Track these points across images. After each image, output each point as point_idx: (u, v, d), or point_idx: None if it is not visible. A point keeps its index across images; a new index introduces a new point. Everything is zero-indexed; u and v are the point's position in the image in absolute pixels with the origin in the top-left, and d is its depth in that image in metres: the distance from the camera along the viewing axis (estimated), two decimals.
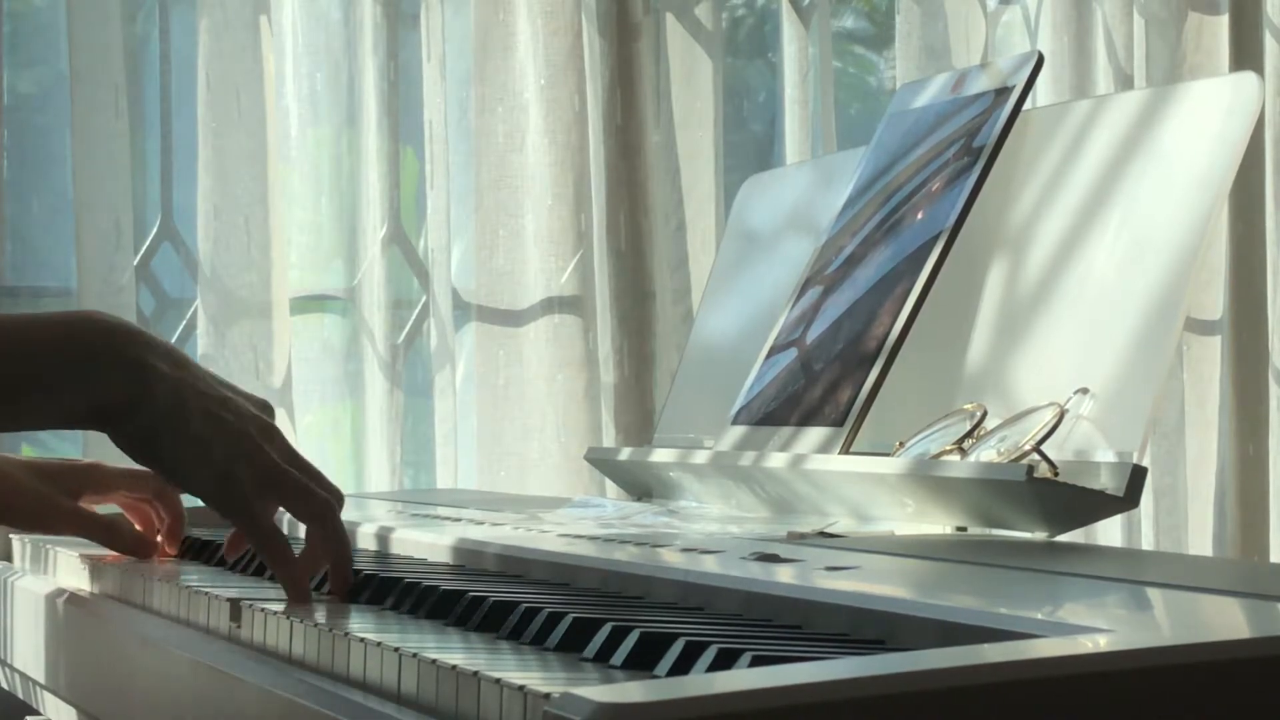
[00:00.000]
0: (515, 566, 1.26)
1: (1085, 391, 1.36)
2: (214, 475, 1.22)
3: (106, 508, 1.54)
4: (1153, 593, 1.01)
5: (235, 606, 1.18)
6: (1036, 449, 1.33)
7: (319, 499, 1.24)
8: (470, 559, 1.32)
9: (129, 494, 1.53)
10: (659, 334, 2.67)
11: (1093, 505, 1.31)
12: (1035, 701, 0.72)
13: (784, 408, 1.57)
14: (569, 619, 0.96)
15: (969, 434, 1.40)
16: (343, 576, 1.22)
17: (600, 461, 1.91)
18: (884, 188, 1.62)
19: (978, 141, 1.52)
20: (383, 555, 1.43)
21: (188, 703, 1.15)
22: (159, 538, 1.54)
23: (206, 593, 1.24)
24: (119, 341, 1.22)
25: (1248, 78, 1.39)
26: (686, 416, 1.85)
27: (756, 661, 0.81)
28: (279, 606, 1.16)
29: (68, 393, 1.21)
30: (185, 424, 1.21)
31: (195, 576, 1.37)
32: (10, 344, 1.21)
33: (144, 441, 1.22)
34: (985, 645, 0.79)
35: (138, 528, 1.53)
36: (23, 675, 1.58)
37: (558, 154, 2.62)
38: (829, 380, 1.53)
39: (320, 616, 1.09)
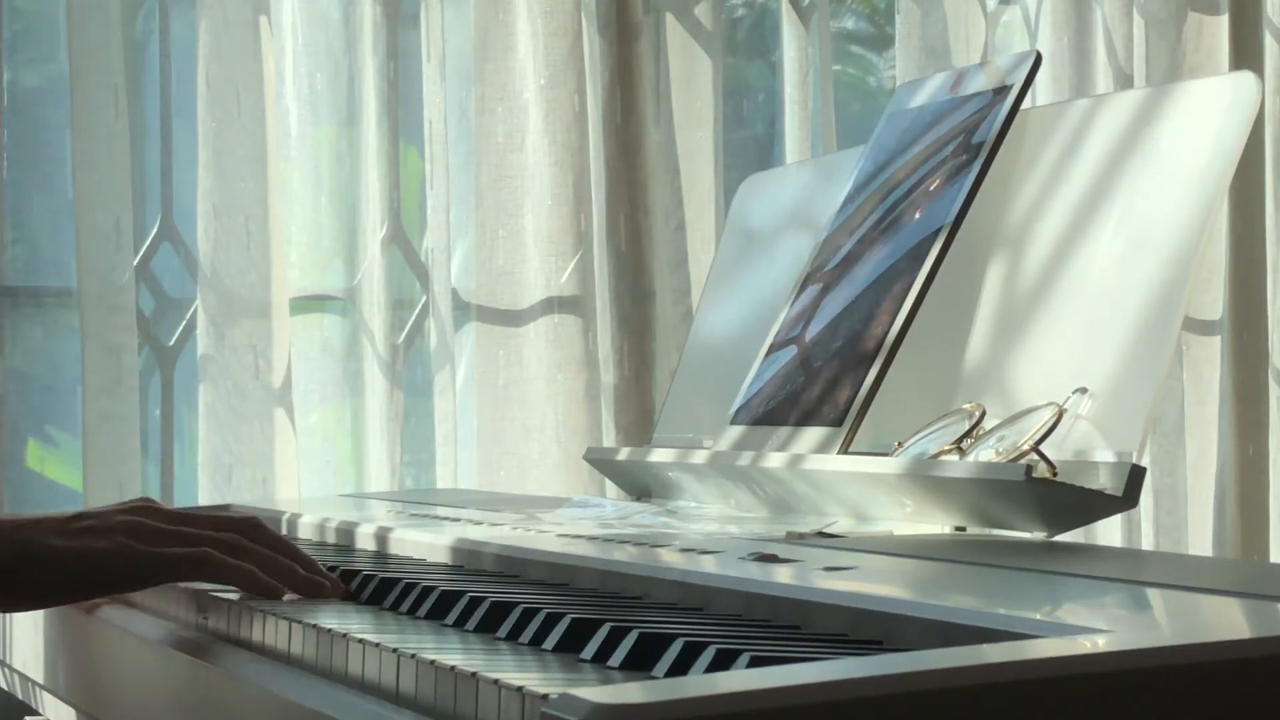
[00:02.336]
0: (514, 567, 1.26)
1: (1084, 391, 1.36)
2: (107, 554, 1.23)
3: None
4: (1152, 593, 1.01)
5: (202, 598, 1.20)
6: (1035, 449, 1.33)
7: (232, 522, 1.26)
8: (469, 559, 1.32)
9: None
10: (659, 334, 2.67)
11: (1092, 505, 1.31)
12: (1035, 701, 0.72)
13: (783, 407, 1.57)
14: (567, 619, 0.96)
15: (968, 434, 1.40)
16: (296, 580, 1.23)
17: (600, 461, 1.91)
18: (882, 185, 1.62)
19: (976, 138, 1.52)
20: (382, 555, 1.43)
21: (186, 703, 1.15)
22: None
23: (206, 594, 1.24)
24: None
25: (1247, 77, 1.39)
26: (686, 416, 1.85)
27: (755, 662, 0.81)
28: (237, 595, 1.18)
29: None
30: (58, 547, 1.24)
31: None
32: None
33: (32, 588, 1.25)
34: (984, 645, 0.79)
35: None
36: (22, 675, 1.58)
37: (558, 154, 2.62)
38: (828, 379, 1.53)
39: (320, 617, 1.09)
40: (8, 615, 1.61)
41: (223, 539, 1.25)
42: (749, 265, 1.85)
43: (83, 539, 1.24)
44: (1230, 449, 2.86)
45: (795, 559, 1.15)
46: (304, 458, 2.53)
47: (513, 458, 2.62)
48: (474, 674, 0.84)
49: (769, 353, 1.65)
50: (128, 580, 1.26)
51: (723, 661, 0.82)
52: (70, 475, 2.48)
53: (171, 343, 2.53)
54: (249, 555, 1.24)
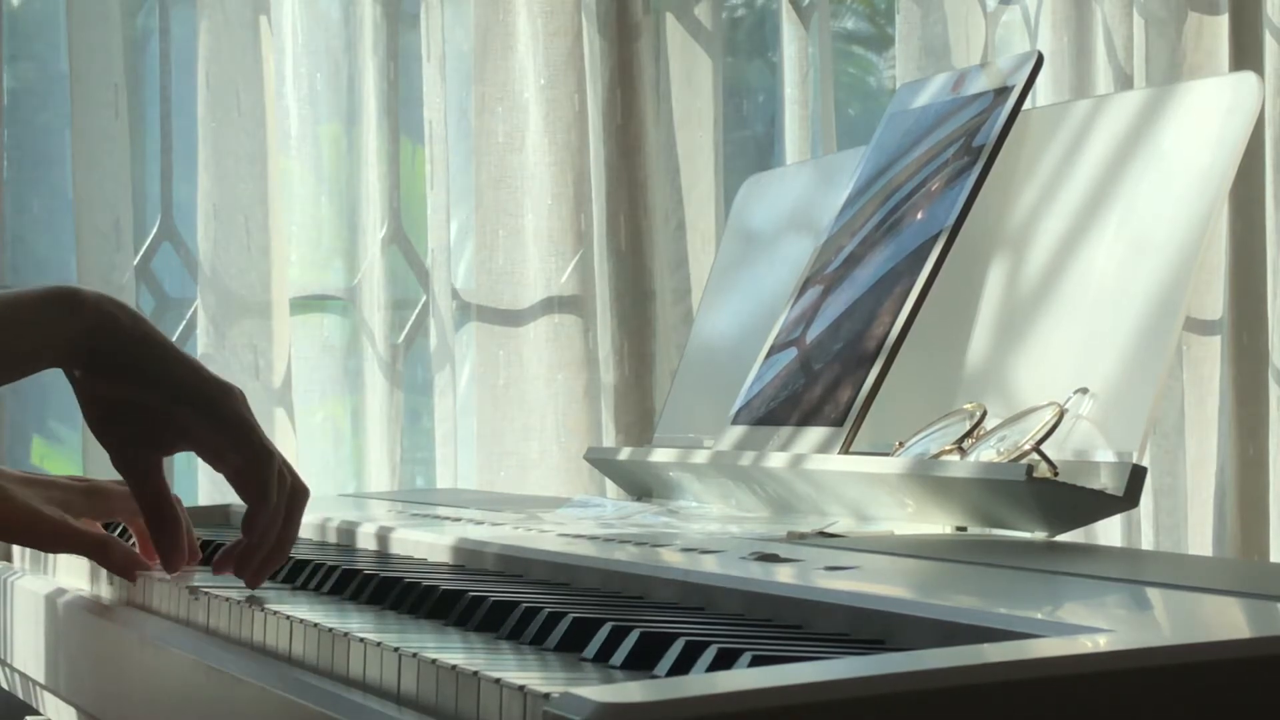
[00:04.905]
0: (515, 566, 1.26)
1: (1085, 391, 1.36)
2: (215, 384, 1.29)
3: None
4: (1153, 593, 1.01)
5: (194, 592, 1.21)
6: (1036, 449, 1.34)
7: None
8: (470, 559, 1.32)
9: (129, 510, 1.51)
10: (659, 334, 2.67)
11: (1092, 505, 1.31)
12: (1035, 701, 0.72)
13: (784, 407, 1.57)
14: (569, 619, 0.96)
15: (969, 434, 1.40)
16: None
17: (600, 461, 1.91)
18: (884, 187, 1.62)
19: (977, 141, 1.52)
20: (383, 555, 1.43)
21: (187, 703, 1.15)
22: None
23: (207, 593, 1.24)
24: (89, 293, 1.31)
25: (1247, 78, 1.39)
26: (686, 416, 1.85)
27: (756, 661, 0.81)
28: (238, 595, 1.18)
29: (45, 326, 1.27)
30: (165, 344, 1.31)
31: (196, 577, 1.37)
32: None
33: (124, 368, 1.29)
34: (985, 645, 0.79)
35: (135, 544, 1.51)
36: (23, 675, 1.58)
37: (558, 154, 2.62)
38: (829, 380, 1.53)
39: (320, 616, 1.09)
40: (8, 615, 1.61)
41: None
42: (750, 266, 1.85)
43: (197, 362, 1.32)
44: (1230, 449, 2.86)
45: (796, 559, 1.15)
46: (304, 457, 2.53)
47: (513, 458, 2.62)
48: (476, 673, 0.84)
49: (769, 354, 1.65)
50: (220, 415, 1.29)
51: (724, 661, 0.82)
52: (74, 471, 2.48)
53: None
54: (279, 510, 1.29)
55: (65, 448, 2.49)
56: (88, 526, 1.41)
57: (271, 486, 1.27)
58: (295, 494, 1.30)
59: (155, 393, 1.30)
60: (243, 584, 1.28)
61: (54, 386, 2.49)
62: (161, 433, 1.30)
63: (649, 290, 2.66)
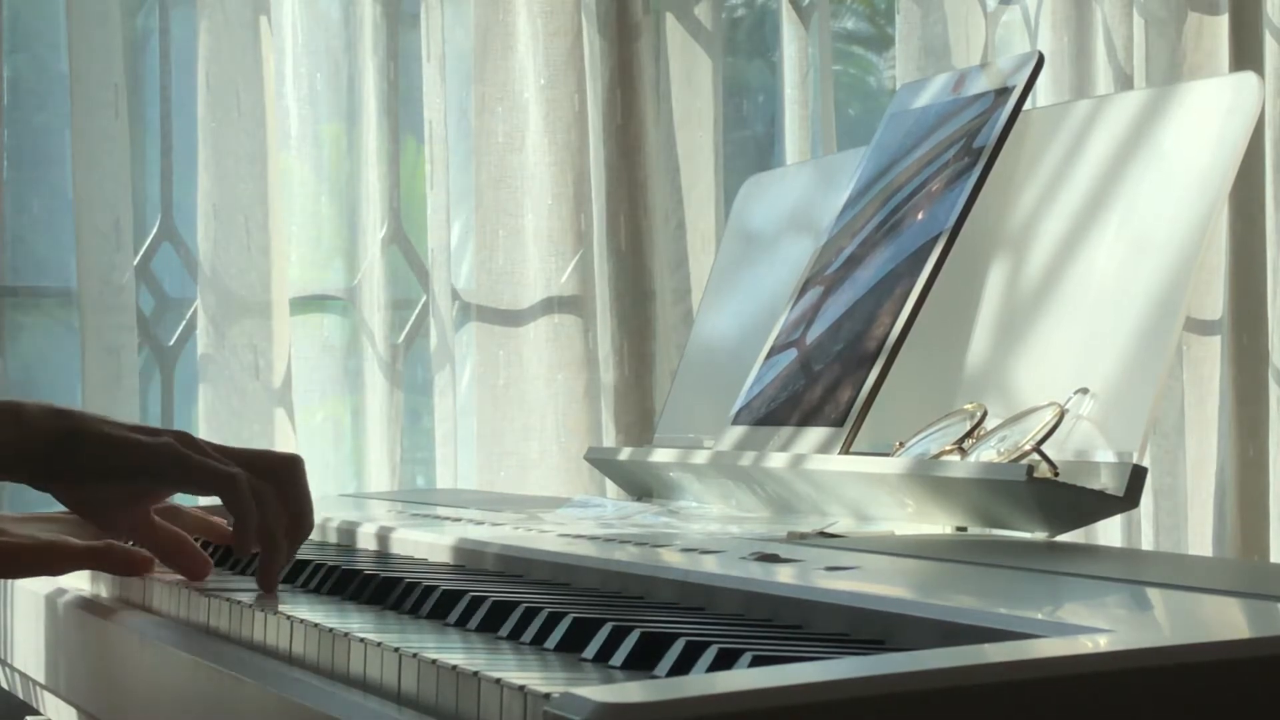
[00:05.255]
0: (515, 566, 1.26)
1: (1085, 391, 1.36)
2: (158, 446, 1.29)
3: None
4: (1153, 593, 1.01)
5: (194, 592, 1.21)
6: (1036, 449, 1.34)
7: (270, 462, 1.33)
8: (470, 559, 1.32)
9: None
10: (659, 334, 2.67)
11: (1093, 505, 1.31)
12: (1035, 701, 0.72)
13: (784, 408, 1.57)
14: (569, 619, 0.96)
15: (969, 434, 1.40)
16: (269, 559, 1.29)
17: (600, 461, 1.91)
18: (884, 188, 1.62)
19: (978, 142, 1.52)
20: (383, 555, 1.43)
21: (187, 703, 1.15)
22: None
23: (207, 593, 1.24)
24: (29, 403, 1.31)
25: (1248, 78, 1.39)
26: (686, 416, 1.85)
27: (757, 661, 0.81)
28: (248, 597, 1.18)
29: None
30: (110, 433, 1.30)
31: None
32: None
33: (77, 471, 1.30)
34: (985, 645, 0.79)
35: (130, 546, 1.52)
36: (23, 675, 1.58)
37: (558, 154, 2.62)
38: (829, 380, 1.53)
39: (320, 616, 1.09)
40: (8, 615, 1.61)
41: (255, 486, 1.30)
42: (750, 267, 1.85)
43: (131, 432, 1.30)
44: (1230, 449, 2.86)
45: (796, 559, 1.15)
46: (304, 458, 2.53)
47: (513, 458, 2.62)
48: (476, 673, 0.84)
49: (769, 355, 1.65)
50: (174, 477, 1.30)
51: (724, 661, 0.82)
52: None
53: (171, 343, 2.53)
54: (267, 507, 1.29)
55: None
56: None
57: (245, 506, 1.29)
58: (279, 475, 1.32)
59: (113, 484, 1.33)
60: (240, 585, 1.28)
61: (61, 379, 2.49)
62: (137, 499, 1.36)
63: (649, 290, 2.66)
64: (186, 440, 1.31)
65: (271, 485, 1.31)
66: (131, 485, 1.34)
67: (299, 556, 1.34)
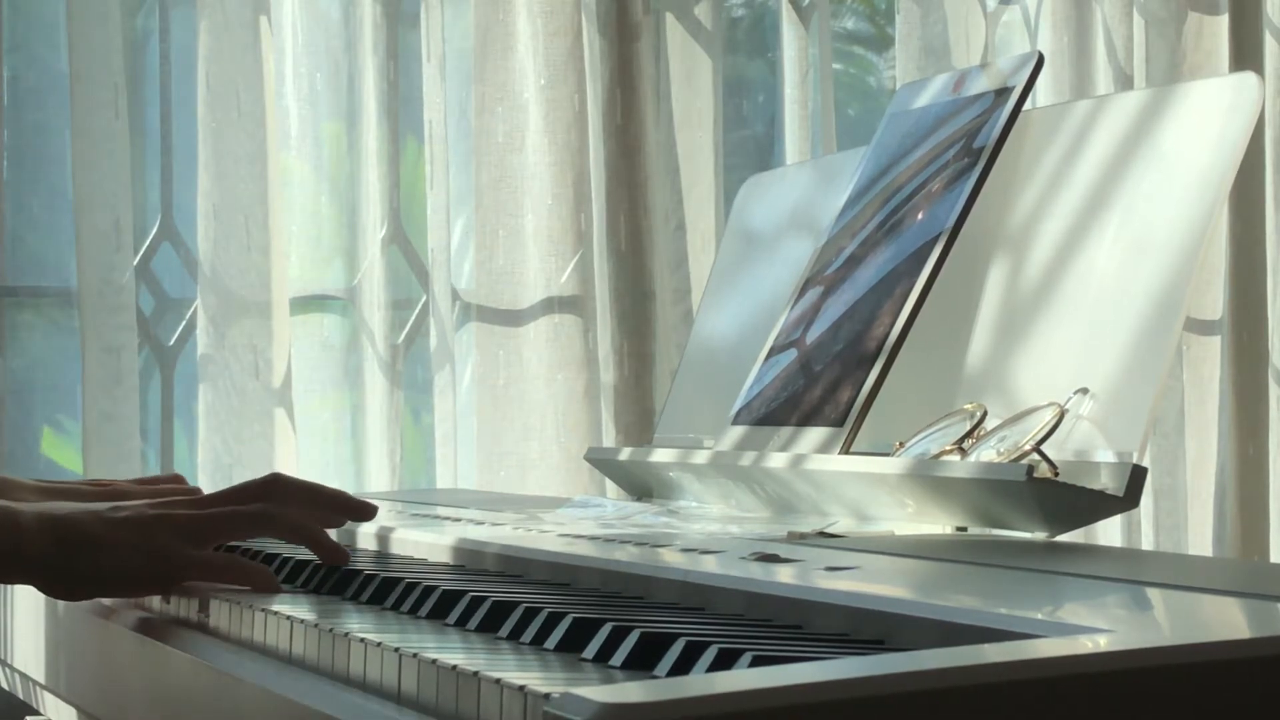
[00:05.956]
0: (515, 566, 1.26)
1: (1085, 391, 1.36)
2: (150, 551, 1.28)
3: None
4: (1153, 593, 1.01)
5: (202, 597, 1.21)
6: (1036, 449, 1.33)
7: (250, 514, 1.31)
8: (470, 559, 1.32)
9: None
10: (659, 334, 2.67)
11: (1093, 505, 1.31)
12: (1035, 701, 0.72)
13: (784, 408, 1.57)
14: (569, 619, 0.96)
15: (969, 434, 1.40)
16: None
17: (600, 461, 1.91)
18: (884, 188, 1.62)
19: (978, 142, 1.52)
20: (383, 555, 1.43)
21: (187, 703, 1.15)
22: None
23: (207, 593, 1.24)
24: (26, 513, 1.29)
25: (1248, 78, 1.39)
26: (686, 416, 1.85)
27: (757, 661, 0.81)
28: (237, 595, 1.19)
29: None
30: (99, 535, 1.28)
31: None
32: None
33: (83, 576, 1.29)
34: (985, 645, 0.79)
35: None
36: (23, 675, 1.58)
37: (558, 154, 2.62)
38: (829, 380, 1.53)
39: (320, 616, 1.09)
40: (8, 615, 1.61)
41: (251, 514, 1.31)
42: (750, 267, 1.85)
43: (121, 531, 1.28)
44: (1230, 449, 2.86)
45: (796, 559, 1.15)
46: (304, 457, 2.53)
47: (513, 458, 2.62)
48: (476, 673, 0.84)
49: (769, 355, 1.65)
50: (163, 583, 1.31)
51: (724, 661, 0.82)
52: (78, 462, 2.48)
53: (171, 343, 2.53)
54: (277, 528, 1.32)
55: (73, 438, 2.50)
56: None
57: (265, 523, 1.31)
58: (272, 494, 1.33)
59: (114, 594, 1.34)
60: (241, 585, 1.28)
61: (61, 379, 2.49)
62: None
63: (649, 290, 2.66)
64: (169, 519, 1.29)
65: (274, 505, 1.32)
66: (135, 593, 1.34)
67: (300, 557, 1.34)
